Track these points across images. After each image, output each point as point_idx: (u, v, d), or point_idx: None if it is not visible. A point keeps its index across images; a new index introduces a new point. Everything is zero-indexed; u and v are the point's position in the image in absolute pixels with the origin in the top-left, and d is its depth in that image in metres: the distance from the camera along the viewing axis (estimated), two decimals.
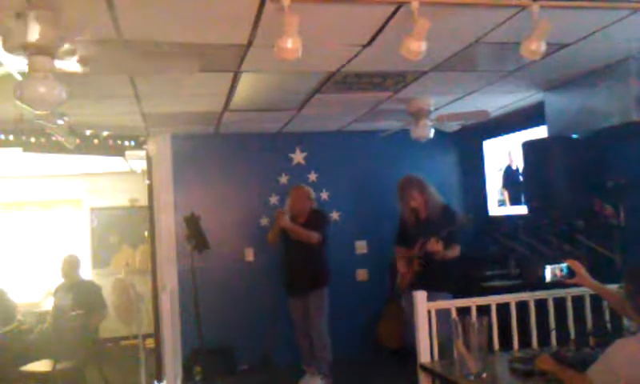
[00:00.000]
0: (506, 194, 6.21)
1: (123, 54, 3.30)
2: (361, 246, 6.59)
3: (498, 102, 5.36)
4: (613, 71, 4.17)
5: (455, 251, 4.46)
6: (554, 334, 3.41)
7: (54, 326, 5.84)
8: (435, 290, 3.85)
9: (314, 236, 5.28)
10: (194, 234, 5.38)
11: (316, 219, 5.43)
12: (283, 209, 5.54)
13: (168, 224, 6.06)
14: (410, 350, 3.43)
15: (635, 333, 2.46)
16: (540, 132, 5.29)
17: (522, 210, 5.55)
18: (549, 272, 3.01)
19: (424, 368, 3.20)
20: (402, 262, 4.67)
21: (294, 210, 5.47)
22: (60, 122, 4.41)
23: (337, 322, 5.57)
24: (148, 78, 3.95)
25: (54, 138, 5.02)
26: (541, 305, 3.48)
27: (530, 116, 5.54)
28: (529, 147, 4.94)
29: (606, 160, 4.59)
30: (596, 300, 3.40)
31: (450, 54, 3.70)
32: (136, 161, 6.70)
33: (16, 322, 6.36)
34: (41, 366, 5.33)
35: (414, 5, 2.58)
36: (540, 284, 3.27)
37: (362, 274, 6.56)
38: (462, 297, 3.62)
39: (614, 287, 2.97)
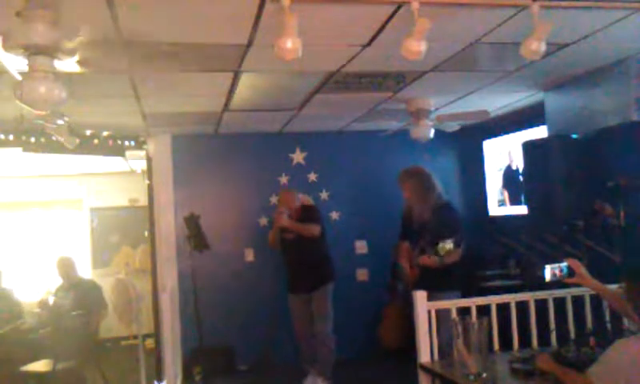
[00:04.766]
0: (505, 193, 6.21)
1: (123, 53, 3.30)
2: (361, 246, 6.59)
3: (498, 102, 5.36)
4: (613, 71, 4.17)
5: (455, 256, 4.28)
6: (554, 334, 3.40)
7: (54, 326, 5.84)
8: (439, 290, 3.82)
9: (315, 228, 5.29)
10: (194, 233, 5.38)
11: (310, 213, 5.44)
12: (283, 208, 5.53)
13: (168, 224, 6.06)
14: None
15: (635, 333, 2.46)
16: (540, 132, 5.29)
17: (522, 209, 5.55)
18: (548, 272, 3.00)
19: (424, 368, 3.20)
20: (404, 260, 4.56)
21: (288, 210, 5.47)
22: (60, 122, 4.41)
23: (337, 322, 5.56)
24: (148, 78, 3.95)
25: (54, 138, 5.02)
26: (541, 305, 3.48)
27: (530, 116, 5.54)
28: (529, 147, 4.94)
29: (606, 160, 4.59)
30: (596, 300, 3.39)
31: (450, 54, 3.70)
32: (136, 161, 6.70)
33: (21, 320, 6.38)
34: (41, 365, 5.33)
35: (414, 5, 2.58)
36: (540, 284, 3.27)
37: (362, 274, 6.56)
38: (462, 297, 3.62)
39: (613, 287, 2.97)
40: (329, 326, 5.30)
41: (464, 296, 3.65)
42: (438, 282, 4.12)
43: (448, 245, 4.04)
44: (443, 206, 4.48)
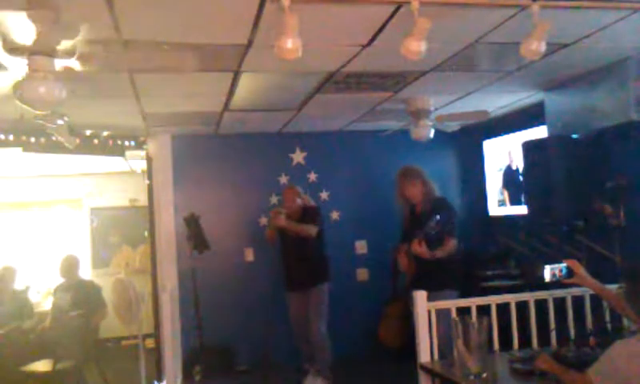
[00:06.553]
0: (505, 193, 6.21)
1: (123, 53, 3.30)
2: (361, 246, 6.59)
3: (497, 102, 5.36)
4: (613, 71, 4.17)
5: (449, 246, 4.29)
6: (553, 334, 3.40)
7: (54, 326, 5.84)
8: (436, 290, 3.81)
9: (312, 229, 5.30)
10: (194, 234, 5.38)
11: (310, 214, 5.46)
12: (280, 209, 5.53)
13: (168, 224, 6.06)
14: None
15: (635, 333, 2.46)
16: (540, 132, 5.29)
17: (522, 209, 5.55)
18: (548, 272, 3.00)
19: (424, 368, 3.20)
20: (403, 258, 4.49)
21: (288, 209, 5.47)
22: (60, 122, 4.41)
23: (337, 321, 5.57)
24: (148, 78, 3.95)
25: (53, 138, 5.02)
26: (541, 305, 3.48)
27: (530, 116, 5.54)
28: (529, 147, 4.94)
29: (606, 160, 4.59)
30: (596, 300, 3.39)
31: (450, 54, 3.70)
32: (136, 161, 6.69)
33: (36, 319, 6.41)
34: (41, 365, 5.32)
35: (414, 5, 2.58)
36: (540, 284, 3.27)
37: (362, 274, 6.56)
38: (462, 297, 3.62)
39: (613, 287, 2.97)
40: (323, 325, 5.30)
41: (464, 296, 3.65)
42: (435, 281, 4.11)
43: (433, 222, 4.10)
44: (440, 199, 4.57)
